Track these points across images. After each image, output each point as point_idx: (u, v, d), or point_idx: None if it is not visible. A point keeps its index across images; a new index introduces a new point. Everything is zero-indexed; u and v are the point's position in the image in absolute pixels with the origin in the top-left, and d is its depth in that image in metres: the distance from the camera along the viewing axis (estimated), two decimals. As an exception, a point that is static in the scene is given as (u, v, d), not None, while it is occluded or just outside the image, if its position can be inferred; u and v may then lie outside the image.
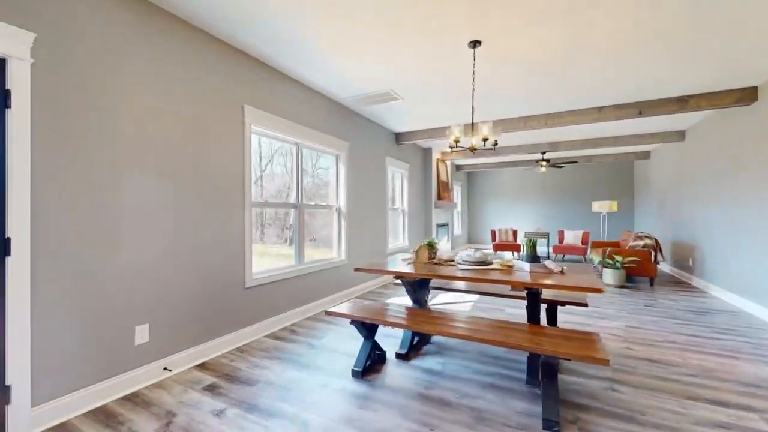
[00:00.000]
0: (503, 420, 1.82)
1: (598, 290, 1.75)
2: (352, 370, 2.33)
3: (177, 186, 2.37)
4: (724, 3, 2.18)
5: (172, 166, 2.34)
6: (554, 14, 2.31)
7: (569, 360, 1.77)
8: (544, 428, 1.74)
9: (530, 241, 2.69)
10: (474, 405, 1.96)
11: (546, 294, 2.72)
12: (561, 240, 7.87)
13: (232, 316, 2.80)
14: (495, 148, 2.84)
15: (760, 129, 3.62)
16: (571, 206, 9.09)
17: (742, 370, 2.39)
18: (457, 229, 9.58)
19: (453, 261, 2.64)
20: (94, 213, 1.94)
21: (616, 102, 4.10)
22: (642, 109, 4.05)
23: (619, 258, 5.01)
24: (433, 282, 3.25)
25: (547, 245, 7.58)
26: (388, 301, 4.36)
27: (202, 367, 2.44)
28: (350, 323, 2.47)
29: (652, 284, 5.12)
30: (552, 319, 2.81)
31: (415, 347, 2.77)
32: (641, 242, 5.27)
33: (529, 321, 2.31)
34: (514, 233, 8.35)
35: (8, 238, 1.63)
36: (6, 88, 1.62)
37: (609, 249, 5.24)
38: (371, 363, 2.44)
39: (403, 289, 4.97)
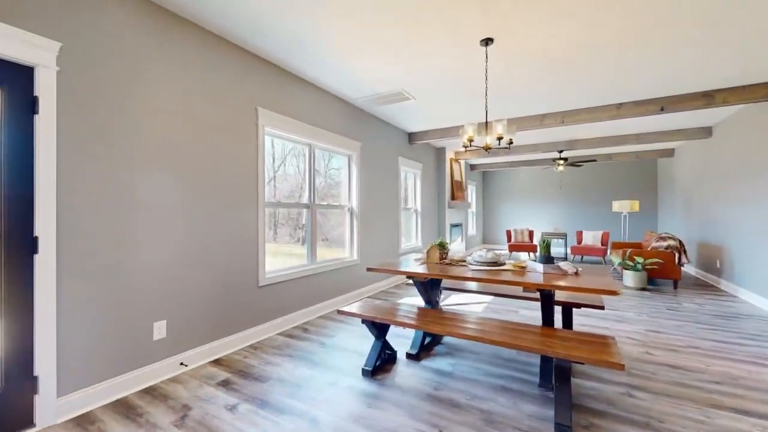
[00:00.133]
0: (514, 423, 1.80)
1: (614, 292, 1.69)
2: (363, 369, 2.34)
3: (193, 187, 2.45)
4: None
5: (188, 167, 2.42)
6: (568, 8, 2.26)
7: (583, 363, 1.72)
8: (555, 433, 1.70)
9: (544, 241, 2.64)
10: (484, 407, 1.94)
11: (560, 296, 2.65)
12: (579, 241, 7.66)
13: (246, 314, 2.86)
14: (510, 147, 2.80)
15: (794, 124, 3.42)
16: (590, 206, 8.83)
17: (772, 379, 2.27)
18: (472, 229, 9.46)
19: (464, 261, 2.62)
20: (115, 213, 2.03)
21: (635, 98, 3.96)
22: (664, 105, 3.90)
23: (640, 259, 4.84)
24: (446, 282, 3.23)
25: (565, 246, 7.38)
26: (400, 301, 4.36)
27: (217, 362, 2.51)
28: (361, 322, 2.48)
29: (675, 287, 4.91)
30: (567, 321, 2.73)
31: (425, 348, 2.75)
32: (664, 243, 5.07)
33: (543, 323, 2.27)
34: (530, 234, 8.19)
35: (36, 237, 1.72)
36: (34, 95, 1.72)
37: (630, 250, 5.06)
38: (381, 362, 2.45)
39: (416, 289, 4.95)
